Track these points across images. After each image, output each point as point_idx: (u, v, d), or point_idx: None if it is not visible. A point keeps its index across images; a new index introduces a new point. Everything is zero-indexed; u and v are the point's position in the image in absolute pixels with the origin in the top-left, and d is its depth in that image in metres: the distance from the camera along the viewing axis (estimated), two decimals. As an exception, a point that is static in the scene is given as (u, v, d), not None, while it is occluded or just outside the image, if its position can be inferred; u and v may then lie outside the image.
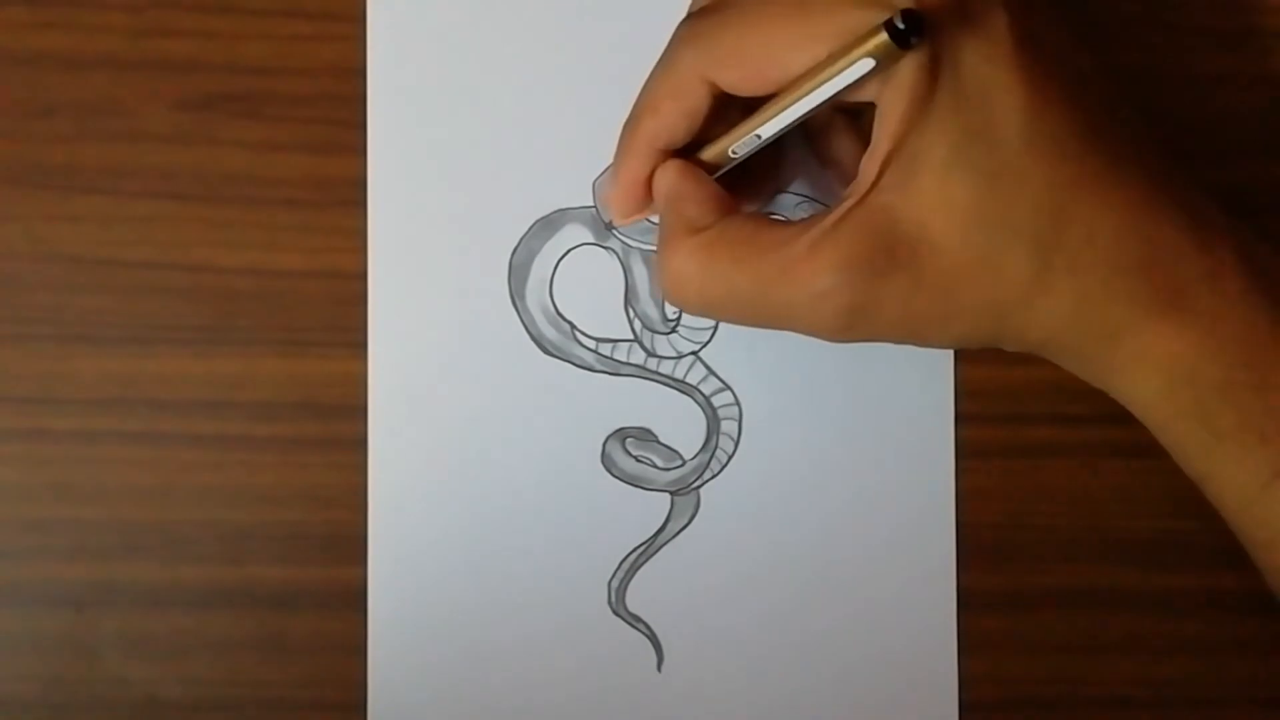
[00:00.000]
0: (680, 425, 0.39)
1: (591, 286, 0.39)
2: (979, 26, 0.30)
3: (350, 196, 0.38)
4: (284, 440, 0.38)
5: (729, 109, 0.33)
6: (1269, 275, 0.32)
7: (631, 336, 0.39)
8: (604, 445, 0.39)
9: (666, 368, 0.39)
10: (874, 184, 0.31)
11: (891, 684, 0.39)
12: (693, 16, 0.33)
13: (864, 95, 0.31)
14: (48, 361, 0.38)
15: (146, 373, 0.38)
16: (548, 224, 0.39)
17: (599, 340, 0.39)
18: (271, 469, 0.38)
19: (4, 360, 0.38)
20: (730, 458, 0.39)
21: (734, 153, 0.33)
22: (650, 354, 0.39)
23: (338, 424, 0.38)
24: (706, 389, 0.39)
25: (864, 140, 0.32)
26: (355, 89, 0.38)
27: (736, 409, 0.39)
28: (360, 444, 0.38)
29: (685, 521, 0.39)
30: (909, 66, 0.30)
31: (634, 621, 0.39)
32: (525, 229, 0.38)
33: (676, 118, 0.33)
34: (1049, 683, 0.40)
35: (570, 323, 0.39)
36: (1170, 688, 0.40)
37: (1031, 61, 0.30)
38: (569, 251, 0.39)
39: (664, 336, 0.39)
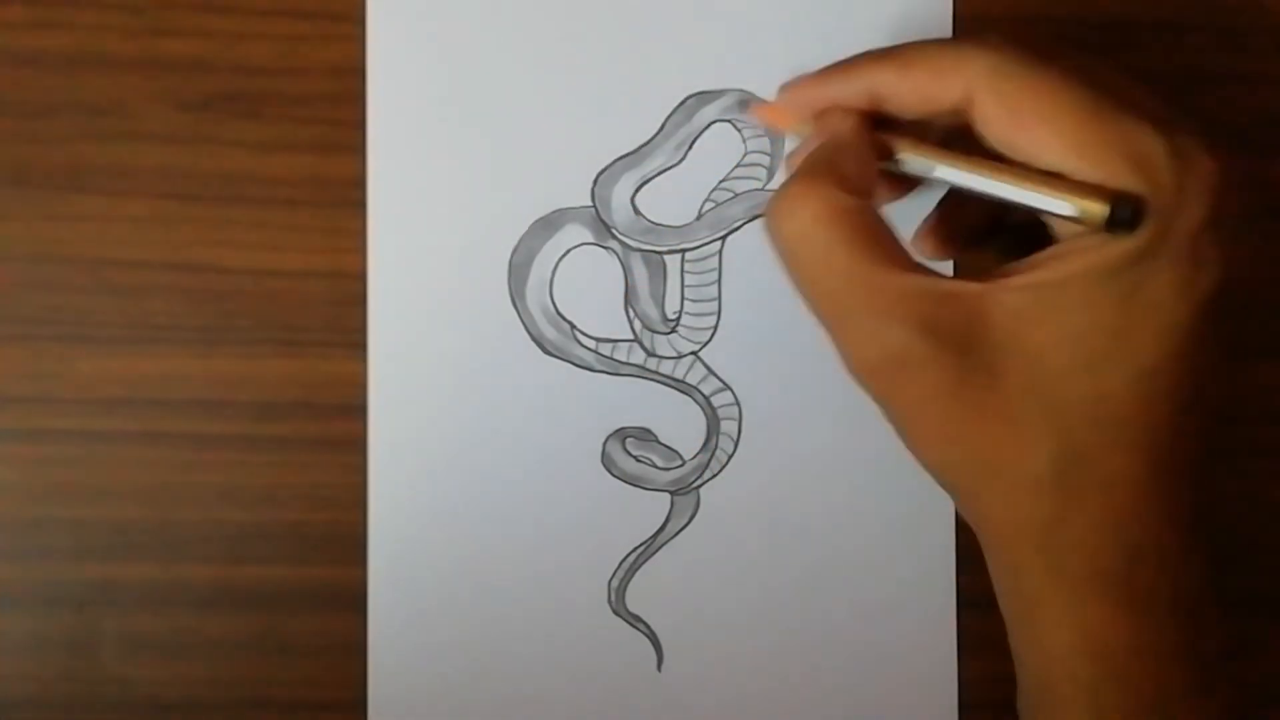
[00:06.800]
0: (680, 425, 0.39)
1: (591, 286, 0.39)
2: (1186, 270, 0.29)
3: (350, 196, 0.38)
4: (284, 440, 0.38)
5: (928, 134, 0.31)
6: None
7: (631, 336, 0.39)
8: (604, 445, 0.39)
9: (666, 368, 0.39)
10: (1005, 284, 0.29)
11: (891, 684, 0.39)
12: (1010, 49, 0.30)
13: (1056, 210, 0.29)
14: (48, 361, 0.38)
15: (146, 373, 0.38)
16: (547, 224, 0.39)
17: (599, 340, 0.39)
18: (271, 469, 0.38)
19: (4, 360, 0.38)
20: (730, 458, 0.39)
21: (900, 163, 0.31)
22: (650, 354, 0.39)
23: (338, 424, 0.38)
24: (706, 389, 0.39)
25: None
26: (355, 89, 0.38)
27: (736, 409, 0.39)
28: (360, 444, 0.38)
29: (685, 521, 0.39)
30: (1107, 239, 0.29)
31: (634, 621, 0.39)
32: (525, 229, 0.38)
33: (914, 89, 0.30)
34: (1049, 683, 0.39)
35: (570, 323, 0.39)
36: (1170, 688, 0.40)
37: (1193, 350, 0.29)
38: (569, 251, 0.39)
39: (664, 336, 0.39)
